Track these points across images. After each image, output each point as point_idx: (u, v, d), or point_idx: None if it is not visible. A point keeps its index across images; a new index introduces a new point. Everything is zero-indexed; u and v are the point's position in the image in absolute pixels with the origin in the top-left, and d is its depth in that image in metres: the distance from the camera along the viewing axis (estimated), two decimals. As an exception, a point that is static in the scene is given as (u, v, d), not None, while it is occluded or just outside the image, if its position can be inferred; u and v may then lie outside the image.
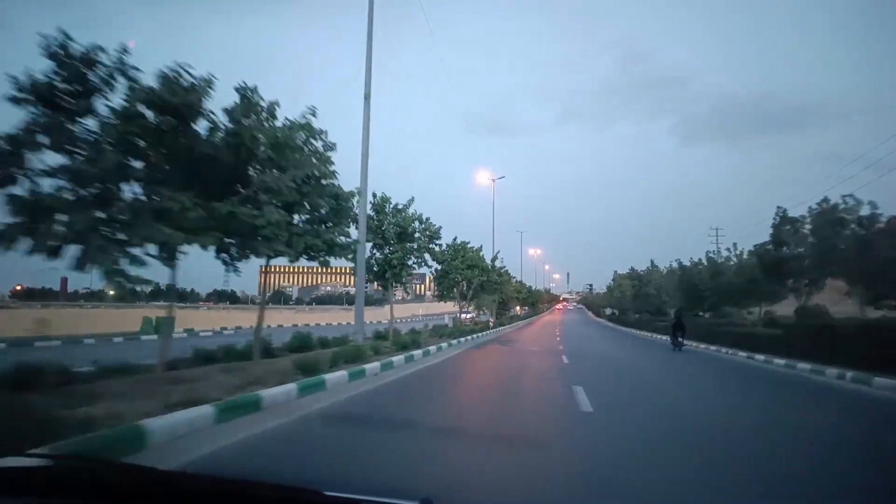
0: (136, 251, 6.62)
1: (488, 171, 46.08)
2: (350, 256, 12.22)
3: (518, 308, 69.27)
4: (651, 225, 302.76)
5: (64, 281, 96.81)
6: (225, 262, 8.82)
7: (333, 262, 10.50)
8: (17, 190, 6.11)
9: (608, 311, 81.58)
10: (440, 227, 18.15)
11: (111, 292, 56.58)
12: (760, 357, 17.53)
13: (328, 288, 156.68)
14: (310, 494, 1.32)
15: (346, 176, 10.22)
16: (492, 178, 42.57)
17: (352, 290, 52.98)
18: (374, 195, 16.83)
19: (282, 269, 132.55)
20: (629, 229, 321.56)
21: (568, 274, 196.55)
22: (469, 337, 24.55)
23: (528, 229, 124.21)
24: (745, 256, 28.82)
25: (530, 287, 73.84)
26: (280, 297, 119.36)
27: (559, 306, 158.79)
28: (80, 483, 1.40)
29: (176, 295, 8.35)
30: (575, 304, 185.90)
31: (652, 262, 55.17)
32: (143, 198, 6.86)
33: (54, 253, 6.20)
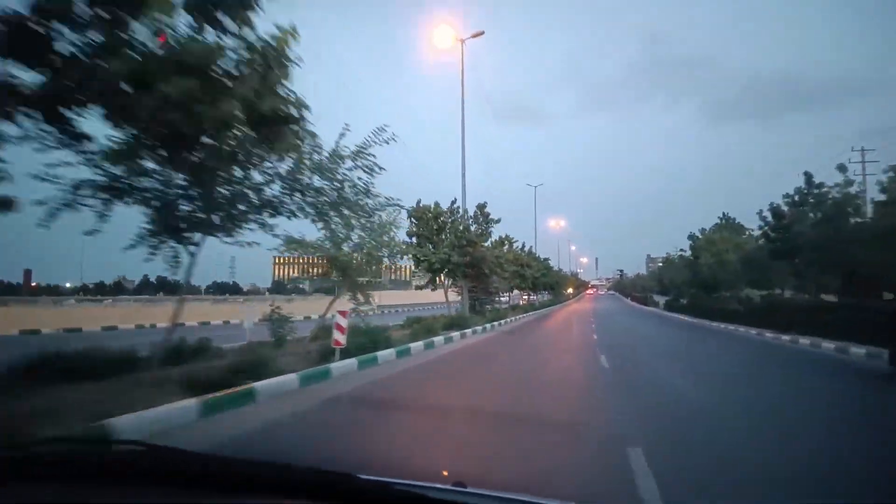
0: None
1: (510, 153, 40.47)
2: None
3: (522, 297, 52.31)
4: (680, 209, 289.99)
5: (28, 273, 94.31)
6: None
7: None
8: None
9: (657, 298, 64.15)
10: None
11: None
12: None
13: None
14: (342, 477, 1.31)
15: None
16: (531, 185, 51.53)
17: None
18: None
19: (295, 261, 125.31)
20: (658, 214, 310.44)
21: (596, 259, 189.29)
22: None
23: (553, 213, 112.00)
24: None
25: (546, 262, 55.67)
26: (279, 289, 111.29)
27: (589, 291, 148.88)
28: (107, 466, 1.45)
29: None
30: (607, 289, 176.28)
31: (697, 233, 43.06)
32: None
33: None
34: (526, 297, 53.56)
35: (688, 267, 42.36)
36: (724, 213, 42.51)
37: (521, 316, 34.49)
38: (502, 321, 27.56)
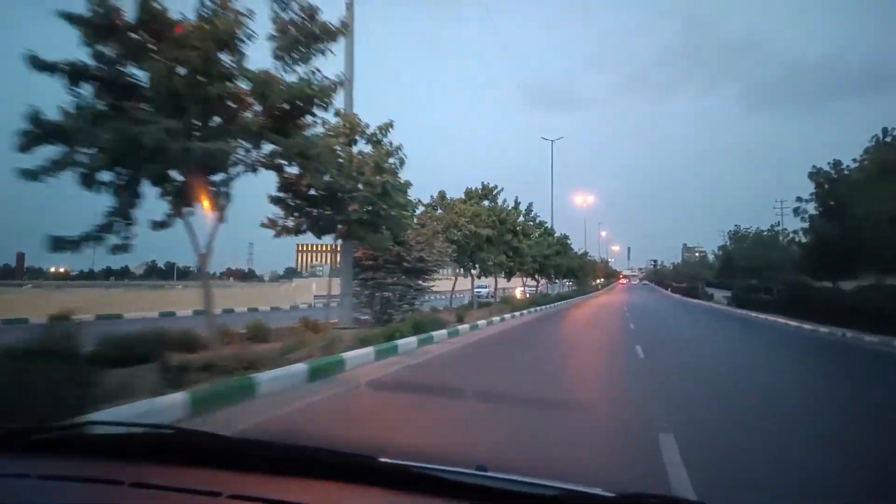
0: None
1: (544, 142, 42.93)
2: None
3: (519, 286, 38.73)
4: (716, 199, 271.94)
5: (21, 257, 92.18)
6: None
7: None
8: None
9: (711, 290, 50.27)
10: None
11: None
12: None
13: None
14: (364, 460, 1.35)
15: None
16: (547, 139, 42.29)
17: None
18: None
19: (313, 248, 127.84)
20: (693, 204, 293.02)
21: (629, 248, 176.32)
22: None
23: (583, 202, 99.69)
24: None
25: (563, 239, 41.63)
26: (291, 274, 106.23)
27: (622, 281, 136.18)
28: (136, 447, 1.50)
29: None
30: (640, 280, 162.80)
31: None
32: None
33: None
34: (524, 284, 38.19)
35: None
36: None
37: (487, 322, 18.66)
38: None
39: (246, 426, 5.33)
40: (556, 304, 34.22)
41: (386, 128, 13.10)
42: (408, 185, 13.54)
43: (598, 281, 76.22)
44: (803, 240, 26.74)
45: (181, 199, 8.09)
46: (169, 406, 5.42)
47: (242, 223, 11.46)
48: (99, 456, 1.46)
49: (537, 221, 33.46)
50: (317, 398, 6.75)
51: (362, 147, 12.81)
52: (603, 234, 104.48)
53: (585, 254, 55.92)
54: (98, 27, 7.15)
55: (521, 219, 28.43)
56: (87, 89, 7.39)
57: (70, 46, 7.21)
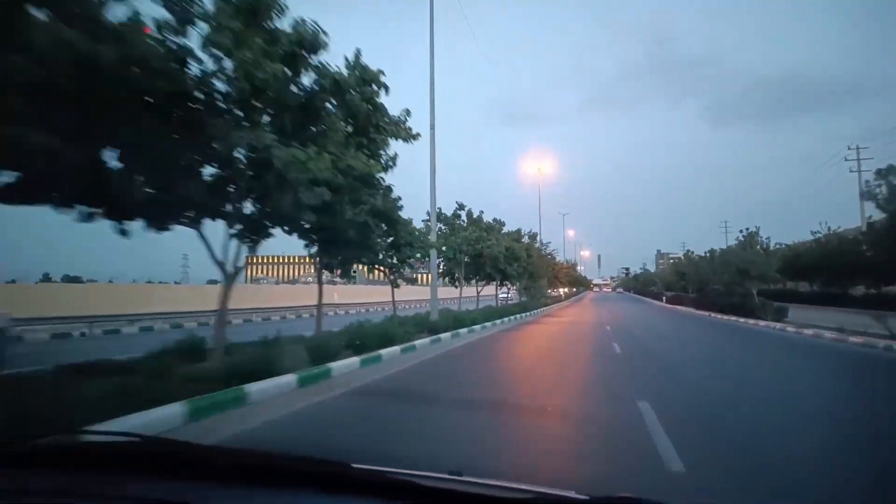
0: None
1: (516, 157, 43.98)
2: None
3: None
4: (684, 208, 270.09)
5: None
6: None
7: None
8: None
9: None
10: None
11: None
12: None
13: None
14: (336, 467, 1.34)
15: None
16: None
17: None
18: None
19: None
20: (661, 214, 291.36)
21: (599, 257, 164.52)
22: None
23: (555, 213, 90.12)
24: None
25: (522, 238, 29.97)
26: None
27: (594, 290, 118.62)
28: (108, 458, 1.47)
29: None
30: (612, 288, 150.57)
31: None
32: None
33: None
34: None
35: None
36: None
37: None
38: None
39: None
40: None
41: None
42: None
43: (559, 290, 58.04)
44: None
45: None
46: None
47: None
48: (68, 468, 1.42)
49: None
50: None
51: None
52: (571, 233, 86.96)
53: (533, 238, 36.03)
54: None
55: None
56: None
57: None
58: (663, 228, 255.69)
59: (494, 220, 25.45)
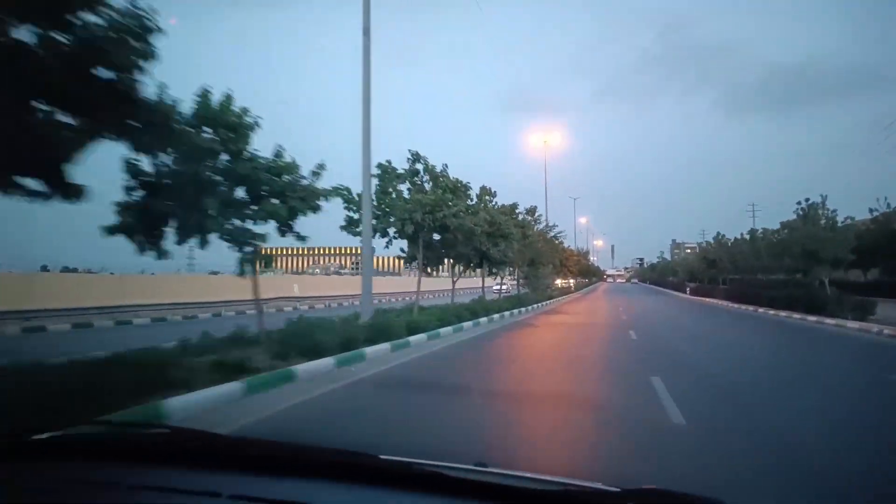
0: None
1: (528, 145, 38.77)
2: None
3: None
4: (697, 199, 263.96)
5: None
6: None
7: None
8: None
9: None
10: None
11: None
12: None
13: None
14: (366, 458, 1.33)
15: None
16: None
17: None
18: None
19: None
20: (675, 204, 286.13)
21: (612, 247, 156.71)
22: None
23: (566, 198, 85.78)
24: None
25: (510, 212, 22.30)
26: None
27: (607, 280, 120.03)
28: (135, 447, 1.48)
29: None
30: (626, 279, 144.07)
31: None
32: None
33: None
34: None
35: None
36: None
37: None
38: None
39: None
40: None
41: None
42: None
43: (565, 281, 50.70)
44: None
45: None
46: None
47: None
48: (95, 458, 1.43)
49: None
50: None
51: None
52: (583, 220, 79.48)
53: (532, 214, 28.11)
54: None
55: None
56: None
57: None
58: (677, 219, 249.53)
59: (459, 182, 18.11)
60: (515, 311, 21.20)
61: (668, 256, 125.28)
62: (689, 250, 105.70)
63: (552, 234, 30.67)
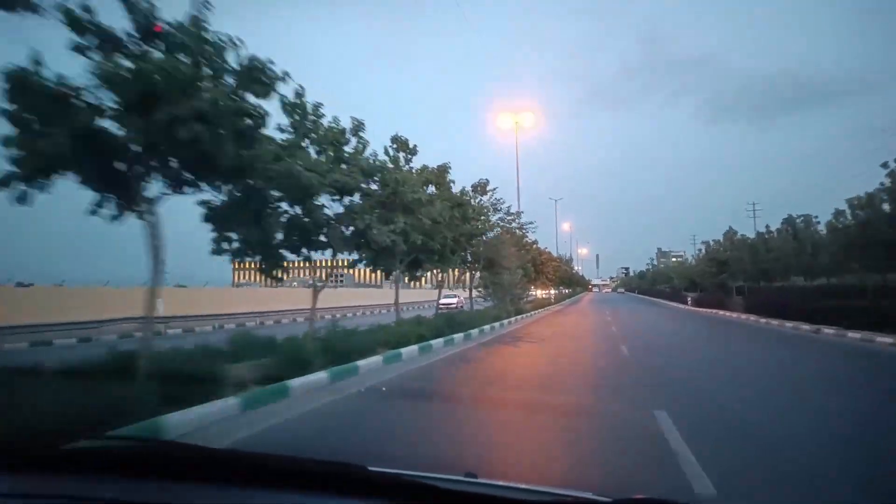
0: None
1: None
2: None
3: None
4: (682, 209, 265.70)
5: None
6: None
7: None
8: None
9: None
10: None
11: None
12: None
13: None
14: (354, 469, 1.31)
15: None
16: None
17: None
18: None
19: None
20: (658, 214, 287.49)
21: (597, 256, 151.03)
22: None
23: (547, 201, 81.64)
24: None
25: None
26: None
27: (592, 290, 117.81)
28: (118, 462, 1.44)
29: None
30: (612, 289, 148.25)
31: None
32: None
33: None
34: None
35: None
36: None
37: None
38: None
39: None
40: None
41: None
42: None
43: (543, 291, 42.09)
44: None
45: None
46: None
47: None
48: (79, 473, 1.40)
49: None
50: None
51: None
52: (566, 226, 71.63)
53: (481, 191, 18.42)
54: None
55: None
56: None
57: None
58: (661, 229, 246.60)
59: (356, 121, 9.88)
60: (439, 341, 12.48)
61: (655, 265, 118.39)
62: (675, 259, 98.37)
63: (516, 223, 22.21)
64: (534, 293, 42.10)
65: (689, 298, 39.73)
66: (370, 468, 1.28)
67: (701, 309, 33.33)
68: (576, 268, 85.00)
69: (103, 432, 3.56)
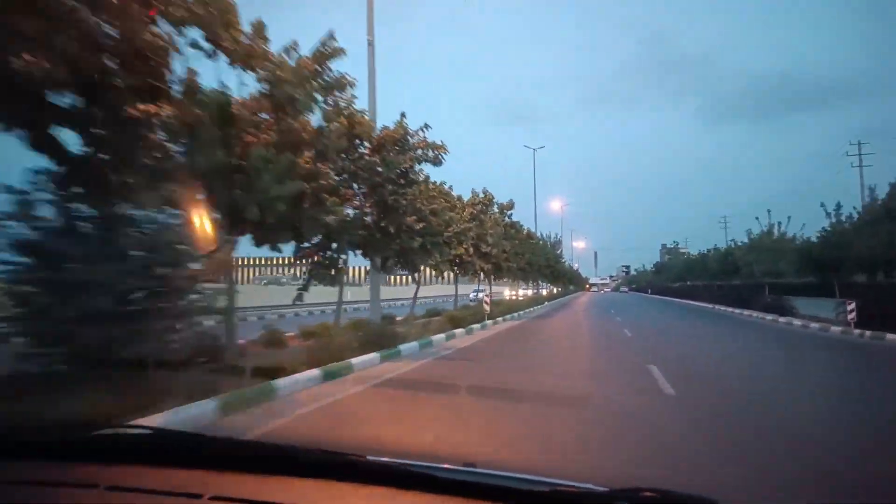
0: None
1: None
2: None
3: None
4: (680, 208, 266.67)
5: None
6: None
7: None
8: None
9: None
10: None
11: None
12: None
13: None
14: (351, 458, 1.32)
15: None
16: (529, 147, 44.79)
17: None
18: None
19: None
20: (657, 213, 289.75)
21: (596, 253, 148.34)
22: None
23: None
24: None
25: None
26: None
27: (591, 290, 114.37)
28: (111, 449, 1.46)
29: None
30: (612, 288, 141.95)
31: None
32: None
33: None
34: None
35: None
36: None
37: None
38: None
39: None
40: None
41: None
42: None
43: (524, 292, 38.08)
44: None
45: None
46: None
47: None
48: (73, 459, 1.41)
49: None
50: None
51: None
52: (560, 207, 67.15)
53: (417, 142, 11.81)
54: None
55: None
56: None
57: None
58: (660, 228, 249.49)
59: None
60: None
61: (649, 264, 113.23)
62: (683, 254, 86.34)
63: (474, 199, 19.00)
64: (508, 293, 38.58)
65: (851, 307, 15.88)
66: (369, 457, 1.28)
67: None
68: (570, 263, 76.95)
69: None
